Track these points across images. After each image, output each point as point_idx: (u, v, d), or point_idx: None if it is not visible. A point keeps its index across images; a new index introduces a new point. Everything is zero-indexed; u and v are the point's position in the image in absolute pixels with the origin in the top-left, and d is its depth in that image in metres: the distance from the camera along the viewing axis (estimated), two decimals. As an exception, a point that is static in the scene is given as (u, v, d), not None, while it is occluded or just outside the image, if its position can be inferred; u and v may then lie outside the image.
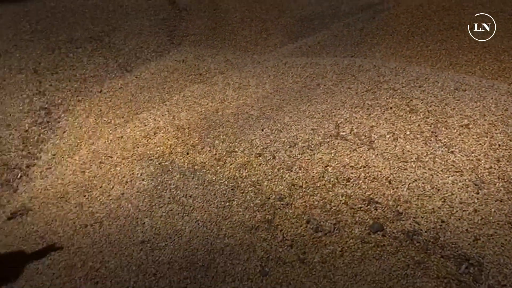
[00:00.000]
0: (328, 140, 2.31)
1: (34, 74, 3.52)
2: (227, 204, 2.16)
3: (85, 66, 3.72)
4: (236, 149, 2.45)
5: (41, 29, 3.96)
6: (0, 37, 3.76)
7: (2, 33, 3.80)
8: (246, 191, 2.18)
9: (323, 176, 2.12)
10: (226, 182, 2.27)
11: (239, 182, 2.24)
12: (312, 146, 2.29)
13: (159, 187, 2.36)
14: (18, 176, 2.80)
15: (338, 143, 2.27)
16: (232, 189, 2.22)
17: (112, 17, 4.33)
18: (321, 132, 2.37)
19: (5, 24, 3.92)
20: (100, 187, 2.49)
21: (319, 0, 4.99)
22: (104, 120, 3.20)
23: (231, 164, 2.36)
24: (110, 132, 3.06)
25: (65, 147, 2.99)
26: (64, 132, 3.13)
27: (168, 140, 2.76)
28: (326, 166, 2.17)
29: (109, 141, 2.93)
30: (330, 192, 2.06)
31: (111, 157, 2.77)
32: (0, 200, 2.63)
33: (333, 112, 2.51)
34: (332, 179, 2.11)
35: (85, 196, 2.46)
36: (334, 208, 2.01)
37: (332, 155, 2.23)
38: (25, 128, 3.11)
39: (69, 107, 3.35)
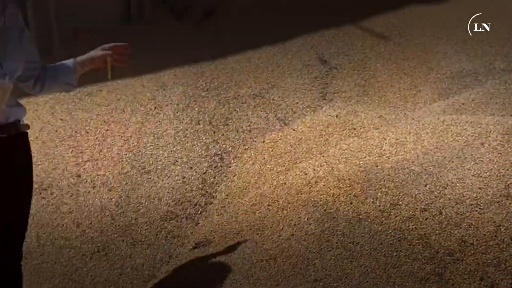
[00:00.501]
0: (498, 200, 2.33)
1: (209, 125, 4.11)
2: (395, 254, 2.28)
3: (250, 119, 4.23)
4: (400, 202, 2.58)
5: (214, 87, 4.62)
6: (183, 93, 4.48)
7: (184, 91, 4.53)
8: (413, 243, 2.29)
9: (495, 236, 2.14)
10: (392, 233, 2.40)
11: (406, 234, 2.36)
12: (481, 204, 2.33)
13: (326, 232, 2.58)
14: (199, 212, 3.27)
15: (510, 203, 2.28)
16: (398, 240, 2.34)
17: (271, 76, 4.86)
18: (489, 191, 2.40)
19: (186, 83, 4.66)
20: (271, 227, 2.80)
21: (470, 57, 4.97)
22: (268, 167, 3.59)
23: (396, 216, 2.50)
24: (274, 178, 3.42)
25: (236, 190, 3.42)
26: (234, 175, 3.58)
27: (330, 189, 3.00)
28: (498, 226, 2.19)
29: (274, 187, 3.28)
30: (505, 252, 2.07)
31: (278, 201, 3.09)
32: (185, 231, 3.10)
33: (501, 172, 2.53)
34: (505, 239, 2.12)
35: (258, 234, 2.78)
36: (509, 268, 2.01)
37: (504, 215, 2.24)
38: (204, 170, 3.63)
39: (237, 154, 3.82)
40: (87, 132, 3.89)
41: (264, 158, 3.72)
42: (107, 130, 3.97)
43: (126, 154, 3.73)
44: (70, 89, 2.02)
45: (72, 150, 3.67)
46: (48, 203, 3.15)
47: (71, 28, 4.77)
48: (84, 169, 3.51)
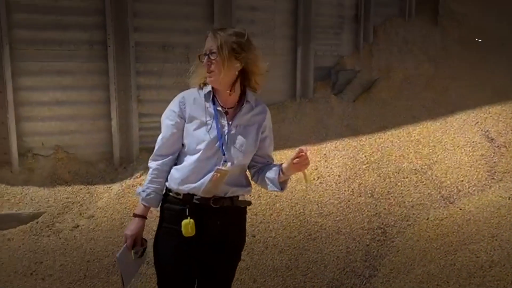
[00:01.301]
0: None
1: (371, 197, 4.25)
2: None
3: (412, 194, 4.27)
4: None
5: (374, 160, 4.80)
6: (343, 165, 4.74)
7: (344, 163, 4.79)
8: None
9: None
10: None
11: None
12: None
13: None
14: (363, 283, 3.37)
15: None
16: None
17: (433, 151, 4.87)
18: None
19: (346, 155, 4.92)
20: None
21: None
22: (433, 246, 3.56)
23: None
24: (441, 258, 3.38)
25: (400, 265, 3.45)
26: (398, 251, 3.63)
27: (508, 276, 2.88)
28: None
29: (442, 267, 3.24)
30: None
31: (447, 282, 3.05)
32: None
33: None
34: None
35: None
36: None
37: None
38: (367, 243, 3.75)
39: (400, 229, 3.87)
40: (260, 196, 4.35)
41: (429, 236, 3.70)
42: (276, 196, 4.38)
43: (293, 220, 4.06)
44: (274, 189, 2.01)
45: (248, 212, 4.13)
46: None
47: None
48: (258, 230, 3.92)
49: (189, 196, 1.95)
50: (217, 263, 2.00)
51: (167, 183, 2.00)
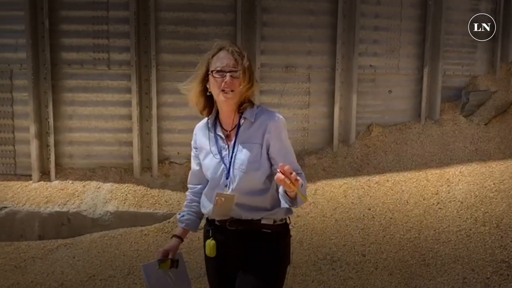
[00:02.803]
0: None
1: (497, 228, 3.95)
2: None
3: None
4: None
5: (504, 188, 4.44)
6: (468, 191, 4.47)
7: (469, 189, 4.51)
8: None
9: None
10: None
11: None
12: None
13: None
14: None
15: None
16: None
17: None
18: None
19: (472, 181, 4.62)
20: None
21: None
22: None
23: None
24: None
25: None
26: None
27: None
28: None
29: None
30: None
31: None
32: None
33: None
34: None
35: None
36: None
37: None
38: (487, 275, 3.50)
39: (529, 266, 3.53)
40: (373, 217, 4.33)
41: None
42: (391, 218, 4.32)
43: (406, 244, 3.97)
44: (285, 205, 1.84)
45: (359, 231, 4.16)
46: (337, 274, 3.65)
47: (367, 122, 5.48)
48: (369, 250, 3.92)
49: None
50: (245, 284, 1.92)
51: None
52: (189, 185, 2.12)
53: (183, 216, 2.09)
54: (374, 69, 5.49)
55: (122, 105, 4.99)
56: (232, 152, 1.89)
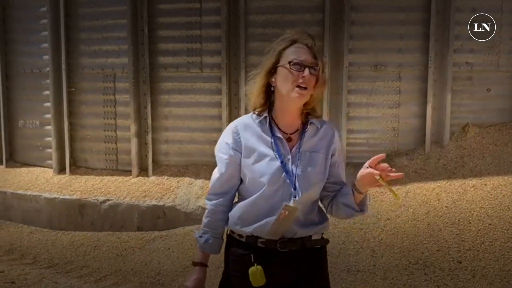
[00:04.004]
0: None
1: None
2: None
3: None
4: None
5: None
6: None
7: None
8: None
9: None
10: None
11: None
12: None
13: None
14: None
15: None
16: None
17: None
18: None
19: None
20: None
21: None
22: None
23: None
24: None
25: None
26: None
27: None
28: None
29: None
30: None
31: None
32: None
33: None
34: None
35: None
36: None
37: None
38: None
39: None
40: (470, 223, 4.09)
41: None
42: (490, 224, 4.05)
43: (508, 252, 3.69)
44: (352, 213, 1.69)
45: (454, 237, 3.95)
46: (430, 280, 3.50)
47: (463, 123, 5.18)
48: (465, 256, 3.71)
49: (252, 238, 1.68)
50: None
51: (228, 224, 1.76)
52: (211, 195, 1.78)
53: (207, 240, 1.75)
54: (471, 66, 5.18)
55: (213, 106, 5.22)
56: (298, 160, 1.67)
